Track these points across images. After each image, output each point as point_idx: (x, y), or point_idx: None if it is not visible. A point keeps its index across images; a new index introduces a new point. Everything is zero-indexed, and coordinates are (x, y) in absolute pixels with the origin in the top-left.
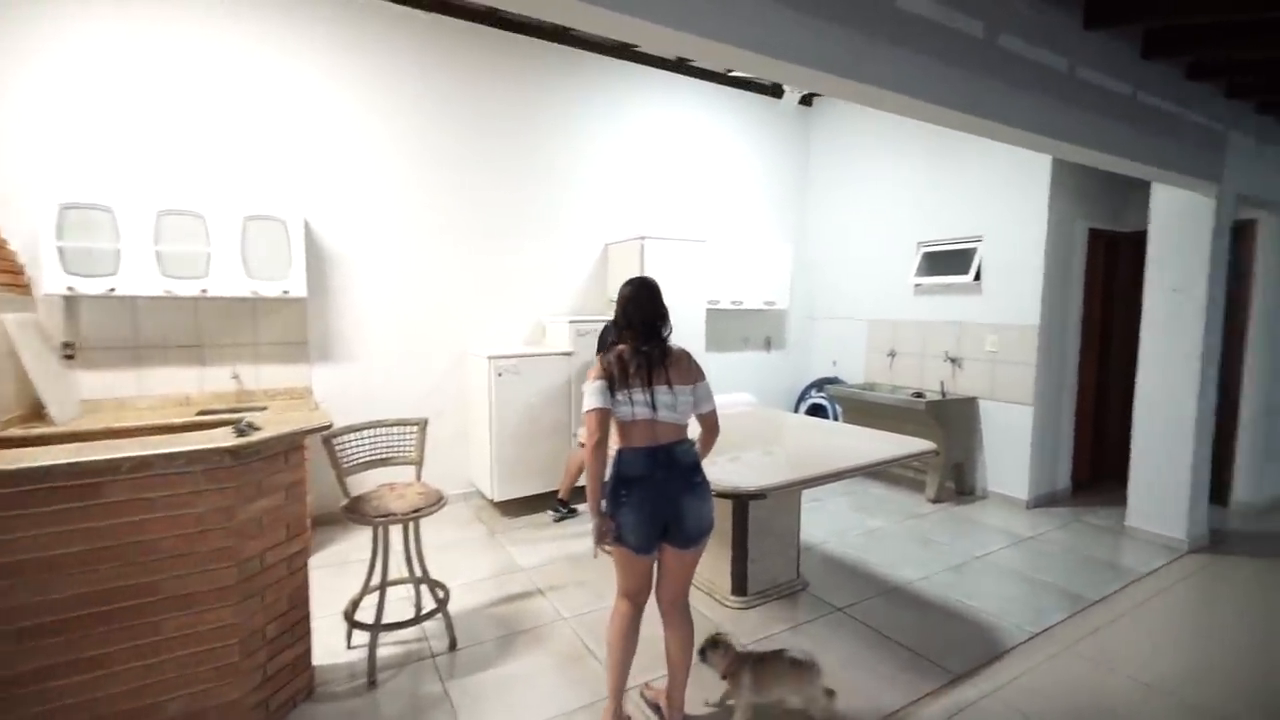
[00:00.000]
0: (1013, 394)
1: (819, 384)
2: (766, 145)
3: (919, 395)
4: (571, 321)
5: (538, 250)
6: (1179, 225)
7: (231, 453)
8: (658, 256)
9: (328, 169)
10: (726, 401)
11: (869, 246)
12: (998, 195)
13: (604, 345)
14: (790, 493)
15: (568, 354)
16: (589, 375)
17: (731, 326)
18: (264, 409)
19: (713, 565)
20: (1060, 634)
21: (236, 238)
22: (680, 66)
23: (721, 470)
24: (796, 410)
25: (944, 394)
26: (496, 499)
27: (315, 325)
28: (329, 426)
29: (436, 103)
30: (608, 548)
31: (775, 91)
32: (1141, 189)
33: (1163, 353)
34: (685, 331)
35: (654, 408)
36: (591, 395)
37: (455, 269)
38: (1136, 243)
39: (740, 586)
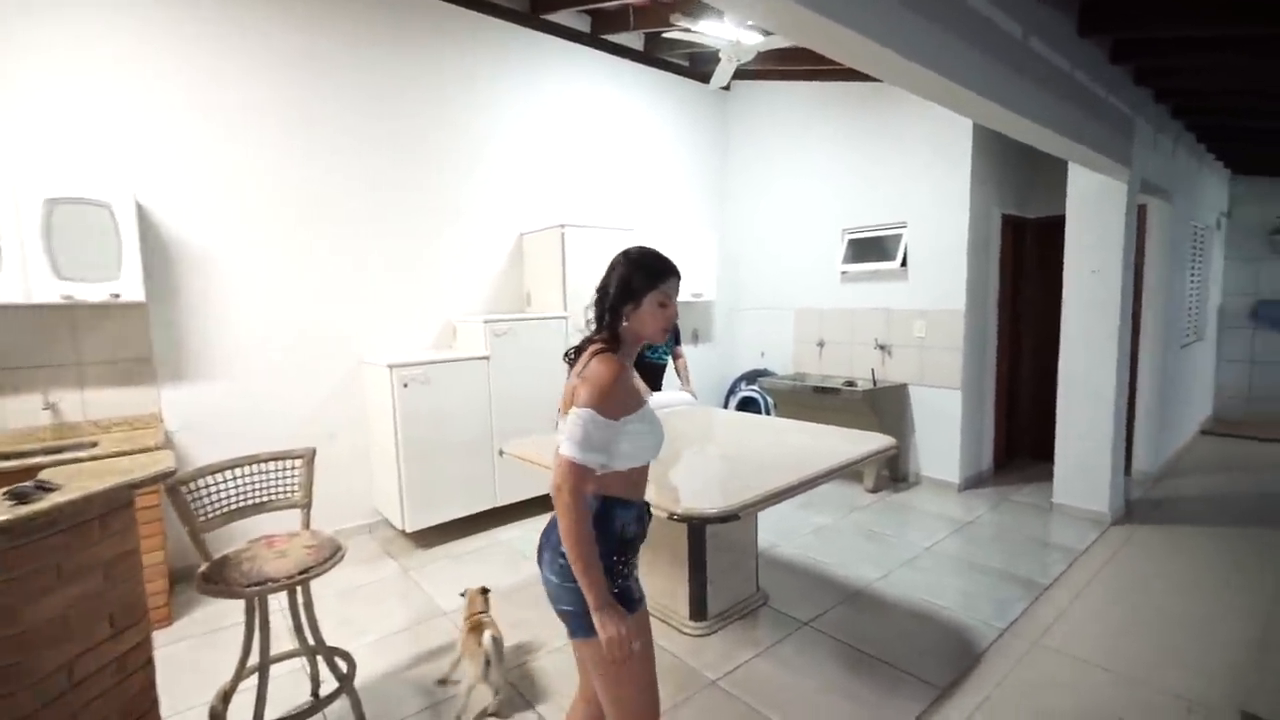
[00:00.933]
0: (941, 379)
1: (749, 377)
2: (685, 129)
3: (850, 384)
4: (487, 321)
5: (444, 241)
6: (1095, 209)
7: (4, 531)
8: (580, 246)
9: (167, 138)
10: (666, 401)
11: (794, 235)
12: (920, 183)
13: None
14: None
15: (483, 358)
16: (604, 387)
17: None
18: (93, 444)
19: (668, 590)
20: (1025, 629)
21: (35, 227)
22: (593, 39)
23: (678, 485)
24: (726, 405)
25: (875, 381)
26: (409, 529)
27: (162, 337)
28: (172, 472)
29: (317, 67)
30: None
31: (694, 73)
32: (1045, 176)
33: (1084, 333)
34: None
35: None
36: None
37: (347, 264)
38: (1041, 228)
39: (699, 611)
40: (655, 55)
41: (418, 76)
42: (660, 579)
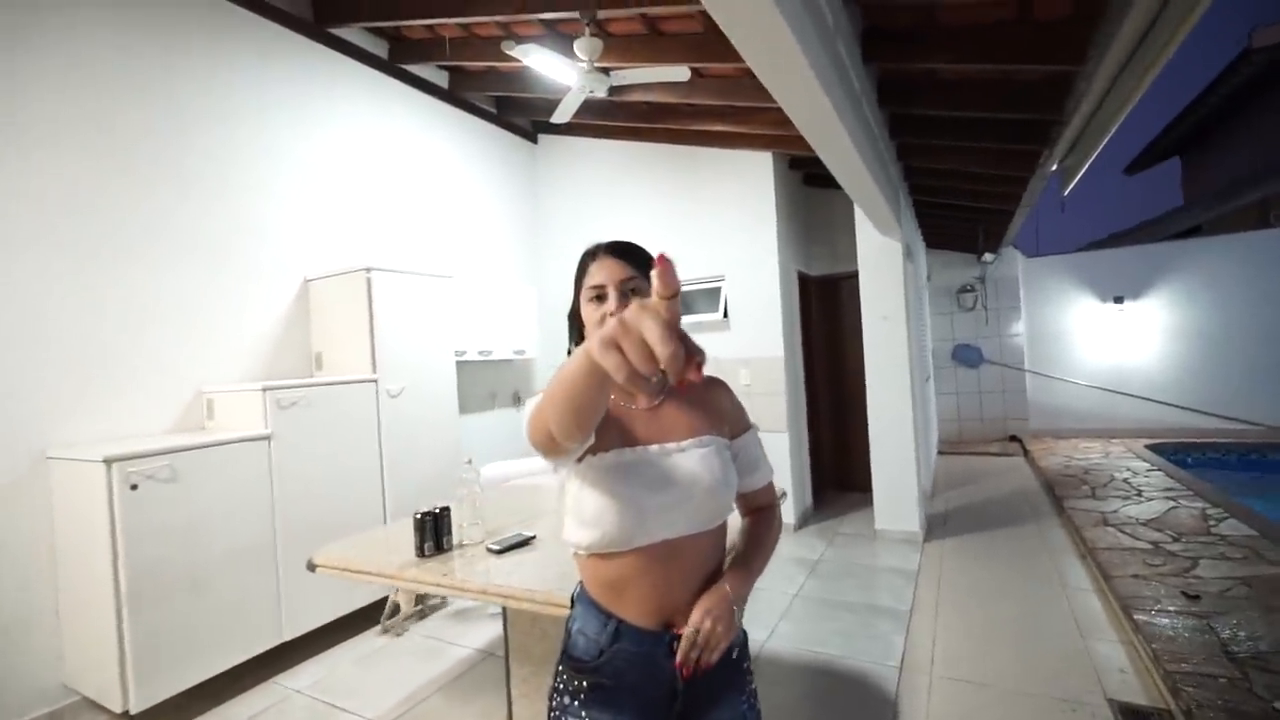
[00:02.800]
0: (770, 423)
1: None
2: (496, 178)
3: None
4: (267, 389)
5: (193, 285)
6: (882, 264)
7: None
8: (391, 293)
9: None
10: (524, 470)
11: None
12: (734, 240)
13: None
14: None
15: (263, 438)
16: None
17: (478, 381)
18: None
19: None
20: (914, 661)
21: None
22: (393, 69)
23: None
24: None
25: None
26: (136, 708)
27: None
28: None
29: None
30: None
31: (501, 121)
32: (821, 239)
33: (883, 371)
34: (432, 390)
35: None
36: None
37: (33, 310)
38: (821, 284)
39: None
40: (460, 95)
41: (163, 76)
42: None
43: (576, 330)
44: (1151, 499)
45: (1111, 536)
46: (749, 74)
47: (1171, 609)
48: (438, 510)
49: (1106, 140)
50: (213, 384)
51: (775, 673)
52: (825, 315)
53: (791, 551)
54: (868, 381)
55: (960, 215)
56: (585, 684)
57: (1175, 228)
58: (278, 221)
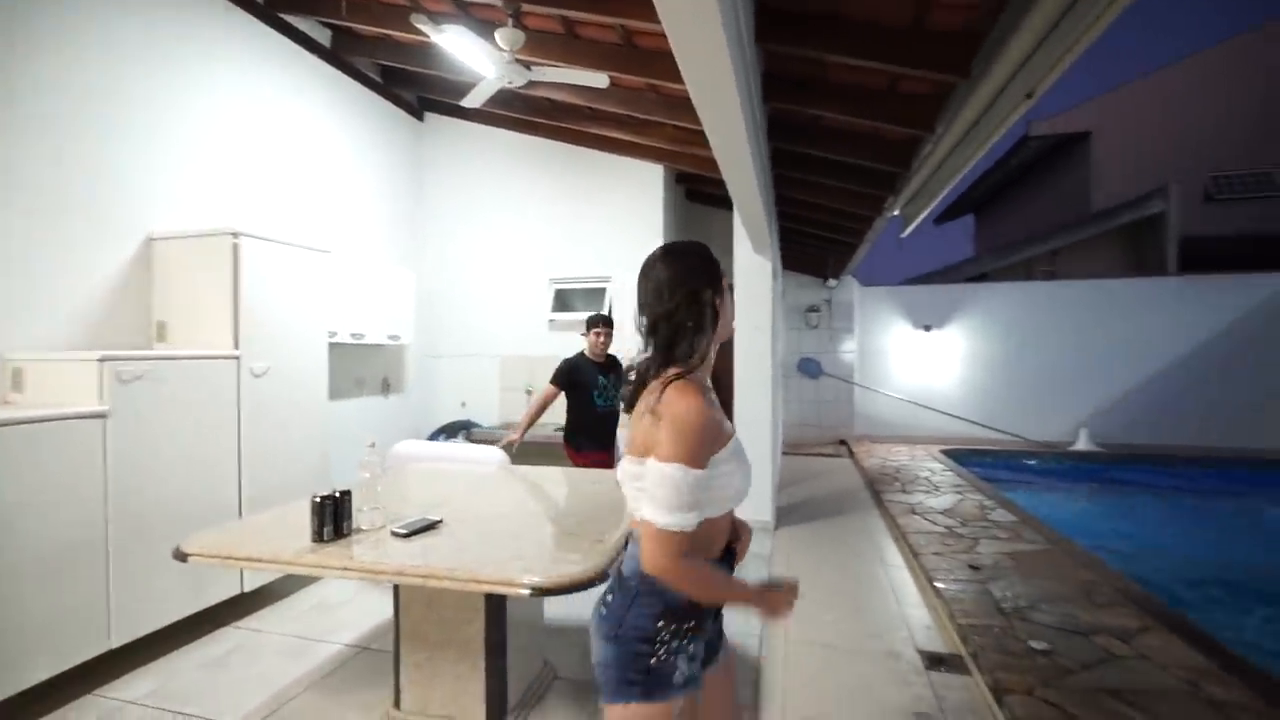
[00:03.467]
0: None
1: (449, 429)
2: (379, 153)
3: (561, 429)
4: (105, 360)
5: (2, 229)
6: (755, 280)
7: None
8: (262, 263)
9: None
10: (473, 458)
11: (500, 281)
12: (621, 242)
13: (569, 380)
14: None
15: (97, 415)
16: (690, 430)
17: (348, 366)
18: None
19: (454, 696)
20: (773, 629)
21: None
22: (269, 15)
23: (509, 557)
24: None
25: None
26: None
27: None
28: None
29: None
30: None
31: (387, 93)
32: None
33: (750, 376)
34: (301, 371)
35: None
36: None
37: None
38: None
39: (498, 709)
40: (344, 58)
41: None
42: (444, 685)
43: (703, 323)
44: (945, 493)
45: (917, 523)
46: (653, 89)
47: (961, 578)
48: (338, 494)
49: (941, 197)
50: (22, 350)
51: None
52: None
53: None
54: (736, 385)
55: (815, 243)
56: (692, 622)
57: (970, 272)
58: (120, 167)
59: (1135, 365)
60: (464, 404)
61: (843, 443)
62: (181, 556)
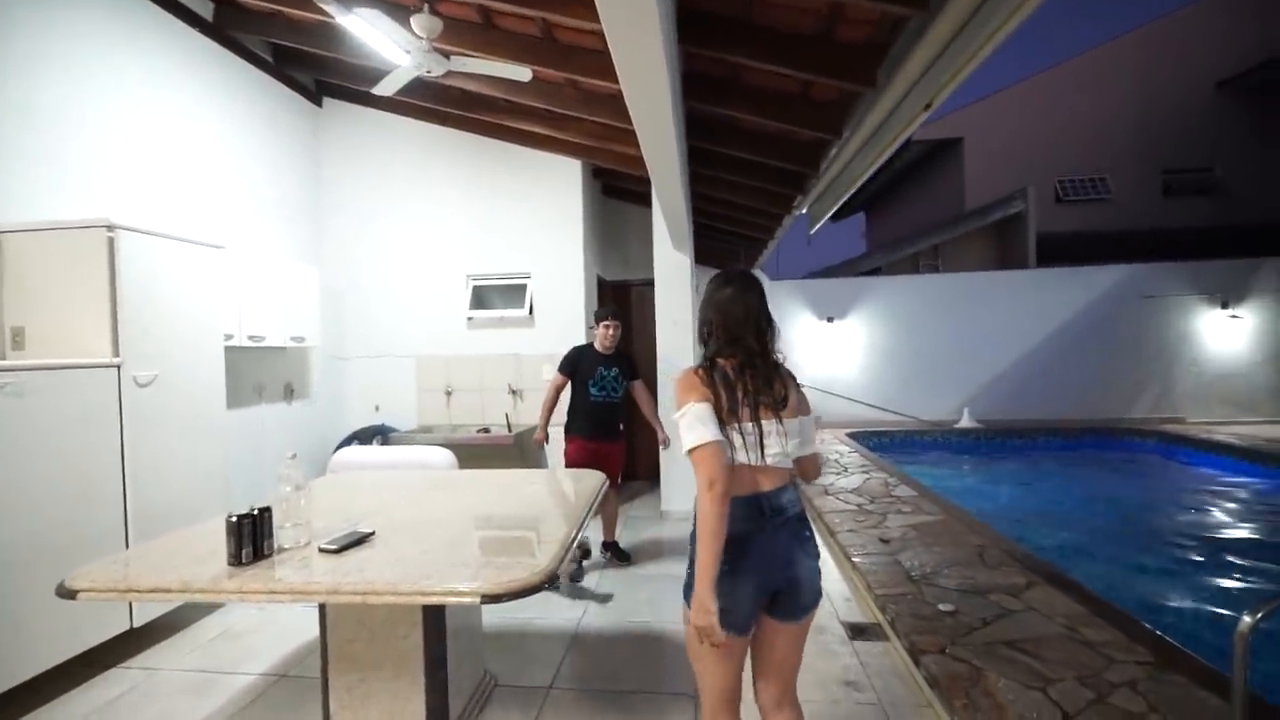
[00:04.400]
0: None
1: (362, 435)
2: (272, 141)
3: (485, 430)
4: None
5: None
6: (674, 275)
7: None
8: (144, 260)
9: None
10: (418, 461)
11: (414, 278)
12: (541, 239)
13: (573, 368)
14: None
15: None
16: (680, 397)
17: (247, 372)
18: None
19: (395, 707)
20: None
21: None
22: None
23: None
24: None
25: (509, 426)
26: None
27: None
28: None
29: None
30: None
31: (278, 74)
32: (616, 245)
33: (672, 369)
34: (194, 379)
35: (761, 449)
36: (697, 422)
37: None
38: (614, 288)
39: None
40: (229, 34)
41: None
42: (380, 705)
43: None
44: (853, 473)
45: (832, 503)
46: (573, 84)
47: (874, 551)
48: (256, 511)
49: (846, 196)
50: None
51: (599, 644)
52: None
53: (595, 535)
54: (659, 379)
55: (729, 239)
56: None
57: (865, 266)
58: None
59: (1005, 349)
60: (377, 408)
61: None
62: (69, 594)
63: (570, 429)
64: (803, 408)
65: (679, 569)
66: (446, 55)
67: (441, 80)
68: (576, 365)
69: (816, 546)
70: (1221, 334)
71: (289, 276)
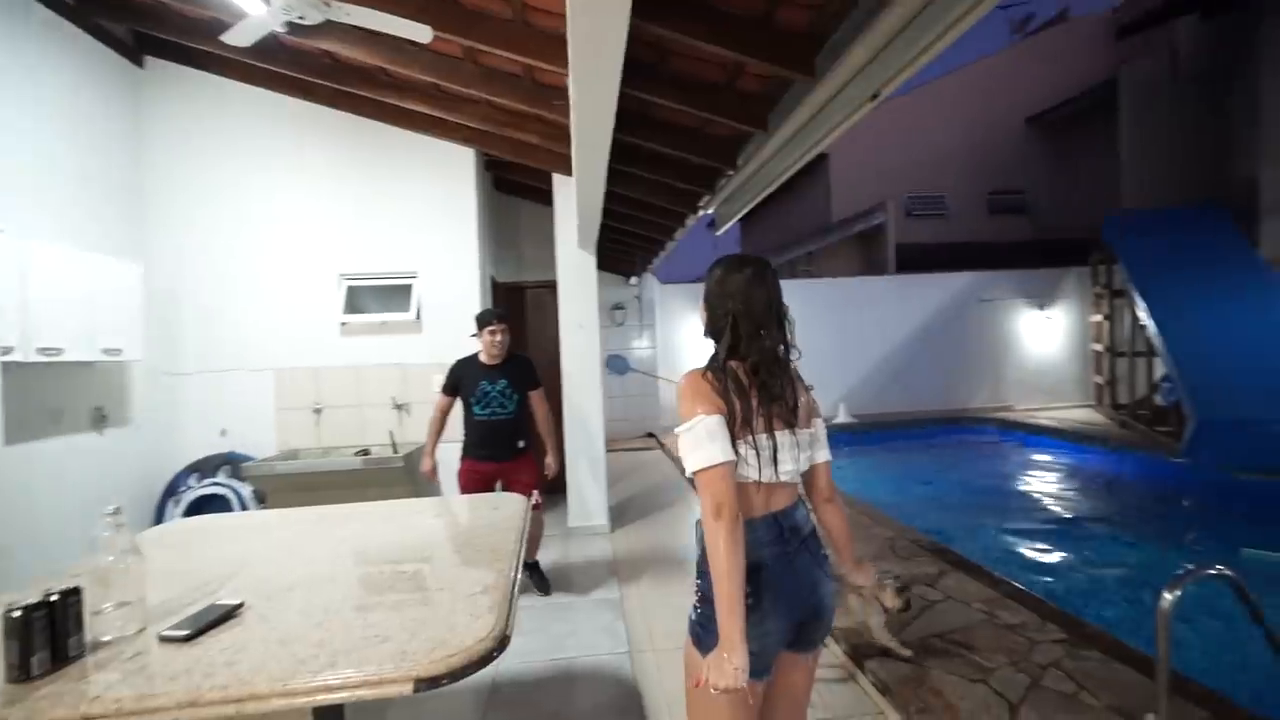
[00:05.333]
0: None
1: (204, 467)
2: (76, 106)
3: (365, 452)
4: None
5: None
6: (579, 277)
7: None
8: None
9: None
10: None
11: (271, 278)
12: (431, 236)
13: (455, 385)
14: None
15: None
16: (686, 406)
17: (38, 395)
18: None
19: None
20: (637, 640)
21: None
22: None
23: (388, 627)
24: (163, 513)
25: (395, 446)
26: None
27: None
28: None
29: None
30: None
31: (87, 24)
32: (507, 245)
33: (578, 377)
34: None
35: (775, 464)
36: (707, 439)
37: None
38: (508, 290)
39: None
40: None
41: None
42: None
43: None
44: None
45: None
46: (474, 58)
47: None
48: (54, 597)
49: (756, 201)
50: None
51: (524, 691)
52: (512, 323)
53: None
54: (564, 386)
55: (625, 240)
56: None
57: None
58: None
59: (873, 348)
60: (224, 432)
61: (651, 435)
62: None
63: (463, 450)
64: (814, 412)
65: (599, 593)
66: (326, 1)
67: (305, 43)
68: (459, 381)
69: (830, 564)
70: (1039, 333)
71: (99, 273)
